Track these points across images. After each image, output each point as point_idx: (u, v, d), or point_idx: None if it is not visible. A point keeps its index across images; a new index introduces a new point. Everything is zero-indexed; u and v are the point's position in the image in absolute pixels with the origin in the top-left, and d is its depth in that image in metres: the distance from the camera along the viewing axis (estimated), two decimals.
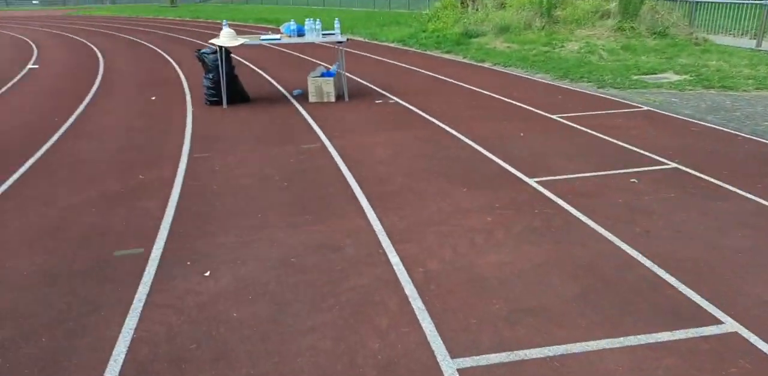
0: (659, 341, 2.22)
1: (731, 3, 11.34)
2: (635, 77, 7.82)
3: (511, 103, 6.55)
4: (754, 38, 10.64)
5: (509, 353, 2.16)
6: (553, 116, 5.87)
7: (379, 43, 13.52)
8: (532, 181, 3.98)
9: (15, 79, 9.28)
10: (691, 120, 5.65)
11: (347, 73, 7.34)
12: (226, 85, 6.54)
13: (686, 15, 12.07)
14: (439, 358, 2.14)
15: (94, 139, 5.40)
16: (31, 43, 15.55)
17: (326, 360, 2.15)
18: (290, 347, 2.23)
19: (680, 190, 3.76)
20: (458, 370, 2.08)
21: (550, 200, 3.64)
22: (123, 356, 2.20)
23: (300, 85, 7.50)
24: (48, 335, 2.34)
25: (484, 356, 2.15)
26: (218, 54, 6.40)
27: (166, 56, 11.77)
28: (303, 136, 5.33)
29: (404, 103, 6.66)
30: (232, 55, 6.74)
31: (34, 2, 47.39)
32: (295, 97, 7.13)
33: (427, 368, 2.09)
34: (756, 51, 9.85)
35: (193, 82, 8.27)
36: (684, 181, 3.92)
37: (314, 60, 10.31)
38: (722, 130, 5.25)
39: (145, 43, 14.76)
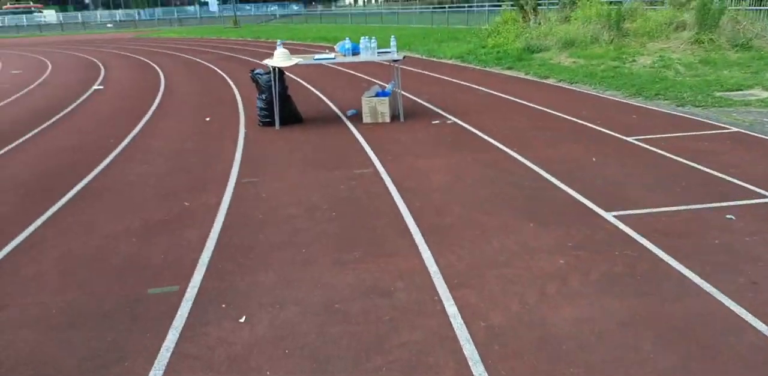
0: None
1: None
2: (718, 94, 7.14)
3: (580, 124, 6.07)
4: None
5: None
6: (629, 138, 5.35)
7: (437, 59, 13.24)
8: (609, 216, 3.51)
9: (80, 100, 9.57)
10: None
11: (403, 92, 7.08)
12: (279, 106, 6.40)
13: None
14: None
15: (145, 162, 5.33)
16: (100, 64, 16.26)
17: None
18: None
19: None
20: None
21: (632, 239, 3.17)
22: None
23: (354, 105, 7.28)
24: None
25: None
26: (271, 74, 6.27)
27: (225, 76, 11.93)
28: (355, 160, 5.06)
29: (463, 124, 6.30)
30: (285, 75, 6.61)
31: (108, 26, 50.39)
32: (348, 117, 6.91)
33: None
34: None
35: (248, 103, 8.22)
36: None
37: (370, 78, 10.14)
38: None
39: (205, 63, 15.12)
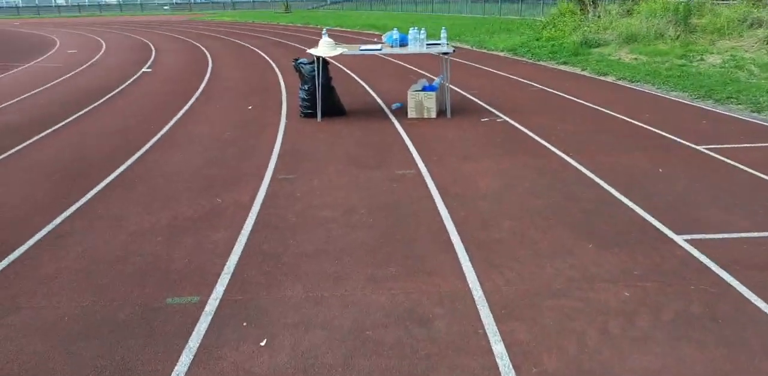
0: None
1: None
2: None
3: (643, 128, 5.58)
4: None
5: None
6: (699, 147, 4.85)
7: (487, 51, 12.73)
8: (680, 240, 3.11)
9: (128, 82, 9.58)
10: None
11: (451, 86, 6.71)
12: (322, 97, 6.14)
13: None
14: None
15: (181, 151, 5.17)
16: (152, 46, 16.40)
17: None
18: None
19: None
20: None
21: (709, 270, 2.77)
22: None
23: (400, 98, 6.95)
24: None
25: None
26: (315, 64, 6.01)
27: (271, 62, 11.77)
28: (397, 159, 4.76)
29: (514, 123, 5.90)
30: (330, 65, 6.34)
31: (165, 8, 51.32)
32: (393, 111, 6.60)
33: None
34: None
35: (291, 92, 8.01)
36: None
37: (418, 70, 9.77)
38: None
39: (254, 48, 15.02)
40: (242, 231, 3.35)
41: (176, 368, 2.15)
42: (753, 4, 11.09)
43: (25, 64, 12.64)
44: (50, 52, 15.42)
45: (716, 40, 10.08)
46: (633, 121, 5.86)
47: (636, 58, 9.77)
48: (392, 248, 3.09)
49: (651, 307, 2.46)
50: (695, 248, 3.00)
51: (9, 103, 7.92)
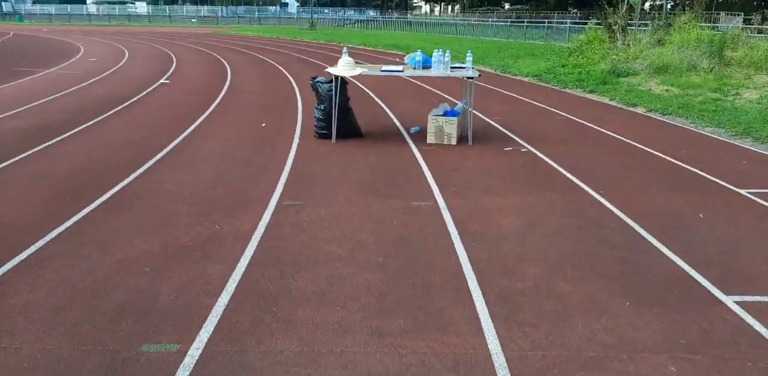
0: None
1: None
2: None
3: (678, 165, 5.21)
4: None
5: None
6: (741, 191, 4.47)
7: (512, 76, 12.47)
8: (729, 301, 2.73)
9: (144, 93, 9.44)
10: None
11: (473, 111, 6.42)
12: (338, 118, 5.87)
13: None
14: None
15: (186, 169, 4.91)
16: (174, 57, 16.41)
17: None
18: None
19: None
20: None
21: (767, 342, 2.39)
22: None
23: (419, 121, 6.66)
24: None
25: None
26: (333, 83, 5.76)
27: (291, 78, 11.62)
28: (413, 189, 4.44)
29: (539, 153, 5.57)
30: (348, 85, 6.09)
31: (192, 21, 52.20)
32: (411, 135, 6.31)
33: None
34: None
35: (307, 110, 7.77)
36: None
37: (440, 92, 9.52)
38: None
39: (275, 63, 14.94)
40: (239, 265, 3.04)
41: None
42: None
43: (44, 71, 12.63)
44: (72, 60, 15.48)
45: (752, 75, 9.72)
46: (666, 157, 5.50)
47: (667, 90, 9.42)
48: (402, 295, 2.75)
49: None
50: (747, 312, 2.63)
51: (22, 109, 7.78)
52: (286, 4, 65.89)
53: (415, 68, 5.94)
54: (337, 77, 5.73)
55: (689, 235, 3.57)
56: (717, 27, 14.08)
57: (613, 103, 8.90)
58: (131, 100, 8.62)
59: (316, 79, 6.01)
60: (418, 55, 5.94)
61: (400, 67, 6.01)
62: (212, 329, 2.44)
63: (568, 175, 4.86)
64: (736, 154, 5.72)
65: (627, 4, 13.52)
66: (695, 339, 2.41)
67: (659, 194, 4.40)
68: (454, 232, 3.56)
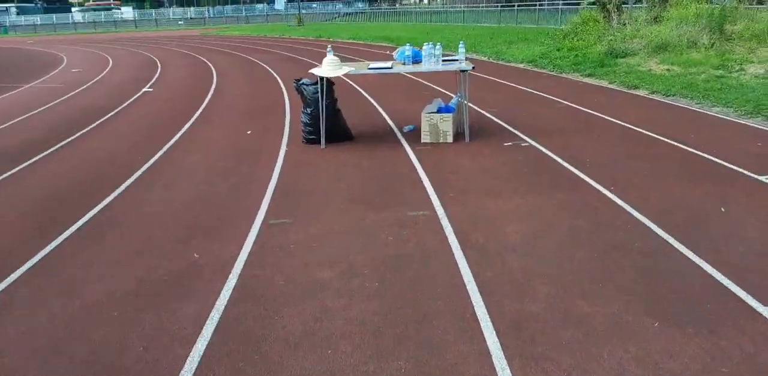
0: None
1: None
2: None
3: (690, 152, 4.87)
4: None
5: None
6: (762, 178, 4.14)
7: (506, 63, 12.10)
8: None
9: (126, 103, 9.09)
10: None
11: (469, 104, 6.07)
12: (326, 121, 5.53)
13: None
14: None
15: (166, 187, 4.59)
16: (159, 63, 16.02)
17: None
18: None
19: None
20: None
21: None
22: None
23: (413, 119, 6.32)
24: None
25: None
26: (318, 85, 5.42)
27: (278, 79, 11.25)
28: (409, 196, 4.12)
29: (541, 147, 5.23)
30: (335, 85, 5.75)
31: (179, 23, 51.60)
32: (405, 134, 5.97)
33: None
34: None
35: (295, 113, 7.43)
36: None
37: (433, 86, 9.15)
38: None
39: (262, 63, 14.56)
40: (217, 303, 2.73)
41: None
42: None
43: (25, 85, 12.28)
44: (54, 72, 15.11)
45: (755, 48, 9.32)
46: (676, 143, 5.16)
47: (668, 69, 9.04)
48: (401, 330, 2.44)
49: None
50: None
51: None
52: (273, 1, 65.18)
53: (404, 63, 5.59)
54: (321, 78, 5.39)
55: (713, 234, 3.24)
56: (714, 0, 13.65)
57: (612, 86, 8.53)
58: (112, 112, 8.28)
59: (301, 82, 5.67)
60: (408, 50, 5.58)
61: (388, 64, 5.66)
62: None
63: (574, 170, 4.53)
64: (749, 136, 5.38)
65: None
66: (738, 366, 2.10)
67: (673, 186, 4.07)
68: (456, 246, 3.24)
